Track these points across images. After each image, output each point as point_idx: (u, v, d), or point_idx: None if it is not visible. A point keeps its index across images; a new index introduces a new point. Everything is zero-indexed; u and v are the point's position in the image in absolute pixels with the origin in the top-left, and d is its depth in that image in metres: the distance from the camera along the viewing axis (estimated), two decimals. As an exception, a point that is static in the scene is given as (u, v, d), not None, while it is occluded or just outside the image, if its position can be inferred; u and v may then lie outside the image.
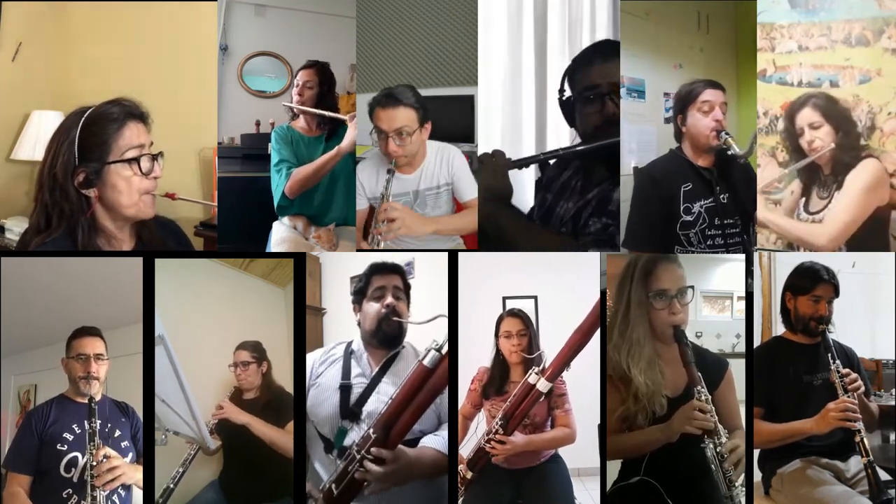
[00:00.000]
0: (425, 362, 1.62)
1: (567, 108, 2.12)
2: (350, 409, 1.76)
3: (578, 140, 2.12)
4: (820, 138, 2.08)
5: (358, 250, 2.19)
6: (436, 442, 1.74)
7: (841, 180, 2.07)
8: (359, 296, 1.86)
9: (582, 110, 2.07)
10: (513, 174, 2.07)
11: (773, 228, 2.17)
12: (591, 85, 2.04)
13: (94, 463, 1.73)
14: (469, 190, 2.15)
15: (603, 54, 2.08)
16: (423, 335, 1.80)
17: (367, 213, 2.22)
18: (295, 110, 2.32)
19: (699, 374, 1.72)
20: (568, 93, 2.10)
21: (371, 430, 1.61)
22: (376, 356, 1.84)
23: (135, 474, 1.81)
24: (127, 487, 1.81)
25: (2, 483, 1.77)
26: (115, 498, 1.78)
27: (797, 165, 2.14)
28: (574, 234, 2.02)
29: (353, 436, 1.72)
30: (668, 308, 1.77)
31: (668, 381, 1.76)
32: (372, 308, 1.82)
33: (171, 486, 1.83)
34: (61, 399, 1.84)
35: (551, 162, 2.12)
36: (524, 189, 2.24)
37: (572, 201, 2.07)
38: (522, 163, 2.06)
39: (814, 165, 2.12)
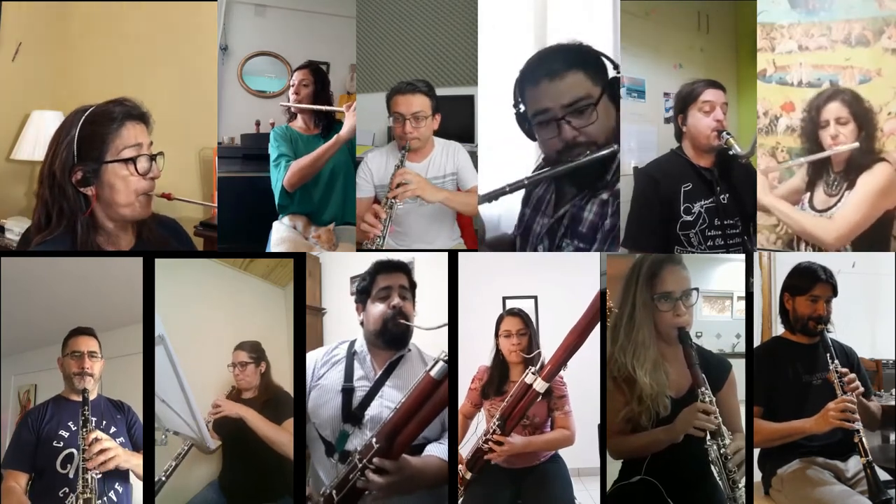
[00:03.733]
0: (433, 374, 1.59)
1: (521, 122, 2.00)
2: (352, 413, 1.74)
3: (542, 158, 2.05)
4: (844, 135, 2.06)
5: (358, 250, 2.19)
6: (440, 451, 1.72)
7: (853, 179, 2.06)
8: (363, 295, 1.83)
9: (539, 134, 1.96)
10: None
11: (778, 216, 2.16)
12: (540, 109, 1.90)
13: (85, 447, 1.73)
14: (471, 179, 2.20)
15: (549, 69, 1.90)
16: (427, 337, 1.80)
17: (372, 202, 2.24)
18: (292, 108, 2.33)
19: (703, 375, 1.72)
20: (523, 108, 1.97)
21: (374, 440, 1.59)
22: (380, 358, 1.82)
23: (131, 459, 1.81)
24: (125, 479, 1.82)
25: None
26: (112, 495, 1.78)
27: (812, 157, 2.11)
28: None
29: (355, 440, 1.71)
30: (672, 310, 1.77)
31: (673, 383, 1.76)
32: (377, 309, 1.79)
33: (164, 478, 1.83)
34: (58, 399, 1.85)
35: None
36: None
37: (546, 217, 2.03)
38: (490, 196, 1.93)
39: (824, 161, 2.12)
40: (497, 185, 1.93)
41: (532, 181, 1.96)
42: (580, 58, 1.91)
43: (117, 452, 1.77)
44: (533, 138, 2.00)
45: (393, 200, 2.05)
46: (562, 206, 2.00)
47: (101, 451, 1.74)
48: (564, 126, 1.88)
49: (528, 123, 1.98)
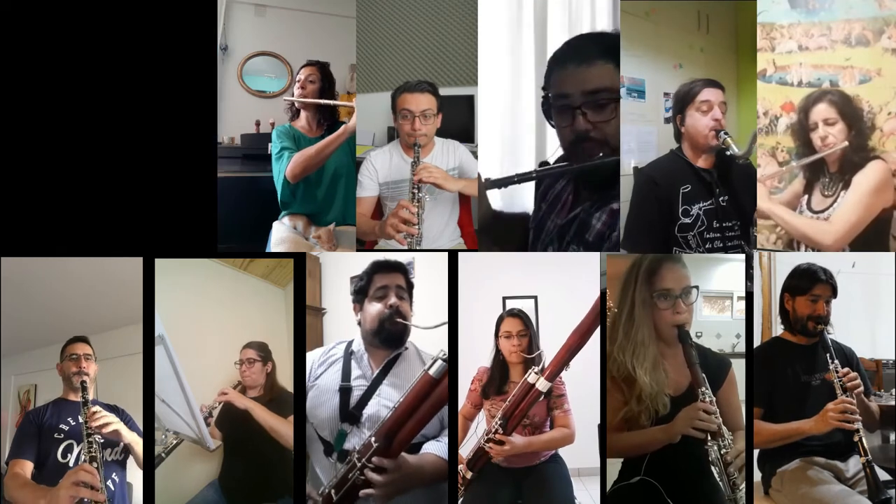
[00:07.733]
0: (431, 372, 1.60)
1: (545, 105, 2.02)
2: (350, 412, 1.75)
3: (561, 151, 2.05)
4: (833, 135, 2.06)
5: (358, 250, 2.19)
6: (438, 448, 1.73)
7: (848, 179, 2.06)
8: (360, 295, 1.85)
9: (556, 120, 1.96)
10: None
11: (777, 221, 2.16)
12: (561, 93, 1.89)
13: (87, 419, 1.79)
14: (475, 170, 2.22)
15: (578, 55, 1.91)
16: (425, 335, 1.80)
17: (376, 204, 2.27)
18: (296, 104, 2.33)
19: (703, 374, 1.72)
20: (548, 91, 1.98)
21: (373, 439, 1.59)
22: (377, 357, 1.83)
23: (130, 434, 1.85)
24: (122, 467, 1.87)
25: (3, 475, 1.81)
26: (109, 483, 1.81)
27: (805, 161, 2.12)
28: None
29: (353, 439, 1.71)
30: (672, 308, 1.77)
31: (672, 381, 1.76)
32: (374, 308, 1.80)
33: (164, 455, 1.87)
34: (57, 401, 1.90)
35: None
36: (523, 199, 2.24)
37: (560, 217, 2.03)
38: (499, 183, 1.95)
39: (820, 162, 2.12)
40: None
41: (540, 175, 1.96)
42: (616, 49, 1.90)
43: (117, 421, 1.83)
44: (552, 123, 2.00)
45: (417, 192, 2.08)
46: (575, 207, 2.00)
47: (104, 421, 1.80)
48: (579, 116, 1.87)
49: (550, 107, 1.97)
